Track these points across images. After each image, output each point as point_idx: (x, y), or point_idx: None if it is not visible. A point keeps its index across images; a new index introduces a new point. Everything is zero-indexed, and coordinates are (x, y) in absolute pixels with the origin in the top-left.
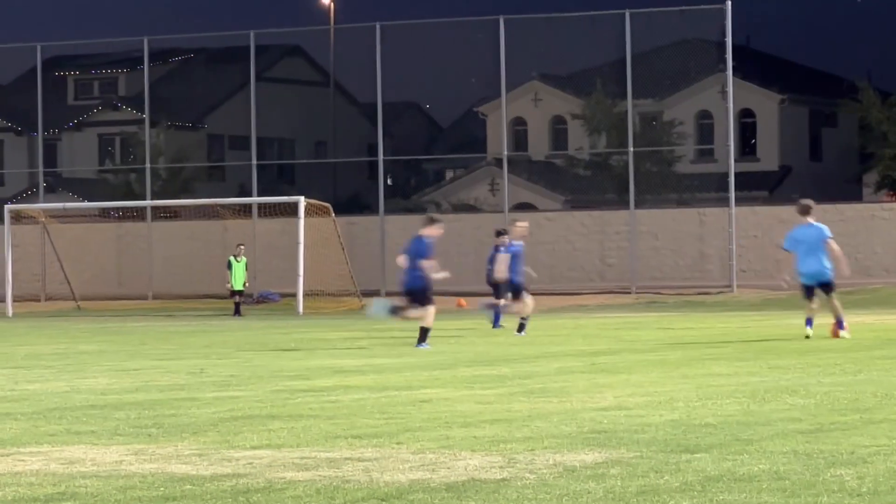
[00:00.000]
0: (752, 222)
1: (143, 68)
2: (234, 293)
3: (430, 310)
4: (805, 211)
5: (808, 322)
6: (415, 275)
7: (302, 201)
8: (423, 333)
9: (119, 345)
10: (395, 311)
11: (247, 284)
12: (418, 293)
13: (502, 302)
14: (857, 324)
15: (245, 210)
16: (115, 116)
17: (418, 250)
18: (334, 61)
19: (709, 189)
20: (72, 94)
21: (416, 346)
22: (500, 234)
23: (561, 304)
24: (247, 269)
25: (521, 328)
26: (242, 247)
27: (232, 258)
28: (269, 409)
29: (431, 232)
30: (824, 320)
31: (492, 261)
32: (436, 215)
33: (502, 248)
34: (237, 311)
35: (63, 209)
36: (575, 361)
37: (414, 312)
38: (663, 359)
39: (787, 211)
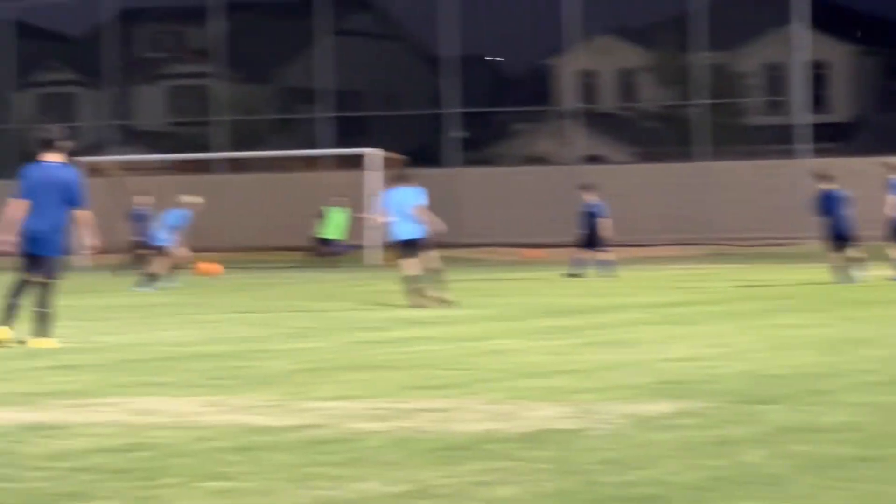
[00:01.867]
0: None
1: (214, 21)
2: (323, 241)
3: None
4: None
5: None
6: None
7: (373, 153)
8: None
9: (193, 297)
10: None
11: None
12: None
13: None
14: None
15: (315, 162)
16: (185, 69)
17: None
18: (404, 14)
19: (779, 141)
20: (142, 46)
21: None
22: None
23: (631, 256)
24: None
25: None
26: (344, 198)
27: (330, 208)
28: (343, 361)
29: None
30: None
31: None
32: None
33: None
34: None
35: (135, 162)
36: (647, 313)
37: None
38: (734, 310)
39: (860, 162)
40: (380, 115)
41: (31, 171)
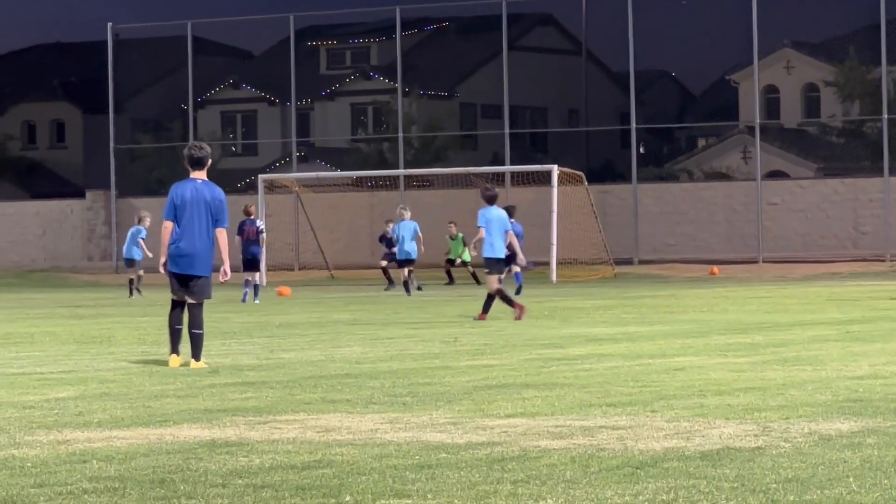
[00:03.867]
0: None
1: (396, 37)
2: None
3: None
4: None
5: None
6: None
7: (555, 170)
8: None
9: (373, 314)
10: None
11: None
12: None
13: None
14: None
15: (498, 178)
16: (367, 86)
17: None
18: (586, 29)
19: None
20: (324, 63)
21: None
22: None
23: (814, 272)
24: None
25: None
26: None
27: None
28: (523, 378)
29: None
30: None
31: None
32: None
33: None
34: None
35: (316, 178)
36: (829, 329)
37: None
38: None
39: None
40: (562, 132)
41: (182, 189)
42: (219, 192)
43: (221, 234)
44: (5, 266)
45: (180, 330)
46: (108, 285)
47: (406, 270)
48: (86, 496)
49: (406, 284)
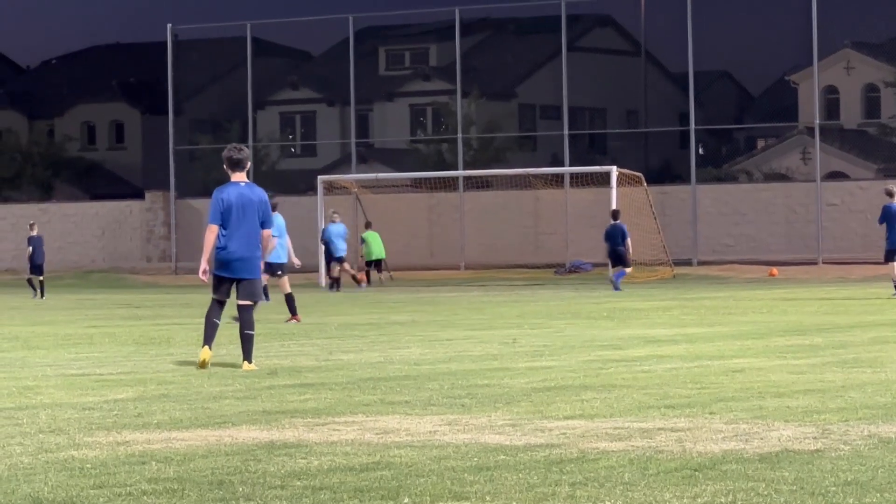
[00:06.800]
0: None
1: (454, 38)
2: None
3: None
4: None
5: None
6: None
7: (614, 171)
8: None
9: (431, 315)
10: None
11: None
12: None
13: None
14: None
15: (557, 180)
16: (426, 87)
17: None
18: (645, 30)
19: None
20: (383, 64)
21: None
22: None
23: (874, 274)
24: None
25: None
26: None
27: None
28: (581, 380)
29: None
30: None
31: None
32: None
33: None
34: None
35: (375, 179)
36: (889, 331)
37: None
38: None
39: None
40: (621, 133)
41: (227, 192)
42: (263, 193)
43: (268, 235)
44: (65, 266)
45: (217, 325)
46: (167, 286)
47: (337, 269)
48: (145, 497)
49: (337, 281)
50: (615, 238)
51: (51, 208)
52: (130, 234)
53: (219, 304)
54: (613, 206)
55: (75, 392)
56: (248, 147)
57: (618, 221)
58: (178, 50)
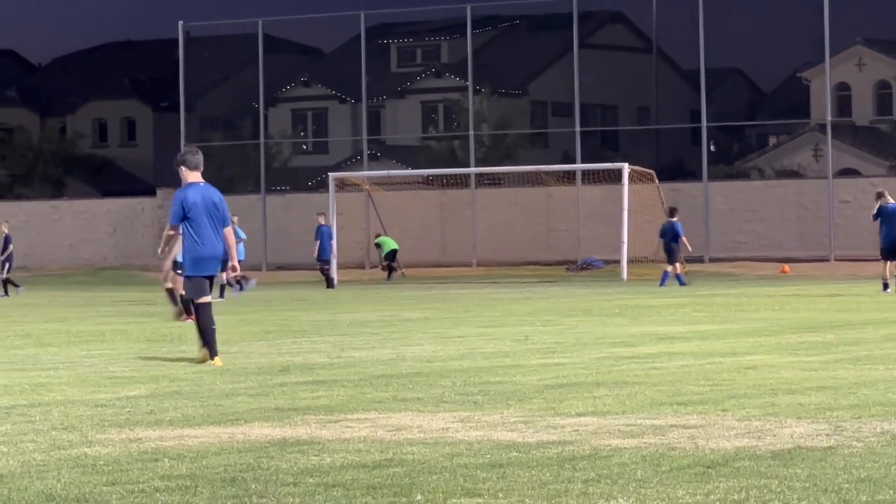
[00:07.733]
0: None
1: (466, 35)
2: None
3: None
4: None
5: None
6: None
7: (626, 168)
8: None
9: (443, 312)
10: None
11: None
12: None
13: None
14: None
15: (569, 177)
16: (438, 83)
17: None
18: (656, 27)
19: None
20: (395, 61)
21: None
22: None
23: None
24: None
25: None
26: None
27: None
28: (594, 376)
29: None
30: None
31: None
32: None
33: None
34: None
35: (387, 176)
36: None
37: None
38: None
39: None
40: (633, 129)
41: (188, 193)
42: (219, 193)
43: (229, 233)
44: (77, 264)
45: (216, 329)
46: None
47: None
48: (157, 494)
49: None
50: (668, 235)
51: (62, 205)
52: (142, 232)
53: (207, 307)
54: (669, 204)
55: (87, 389)
56: (262, 142)
57: (674, 219)
58: (189, 47)
